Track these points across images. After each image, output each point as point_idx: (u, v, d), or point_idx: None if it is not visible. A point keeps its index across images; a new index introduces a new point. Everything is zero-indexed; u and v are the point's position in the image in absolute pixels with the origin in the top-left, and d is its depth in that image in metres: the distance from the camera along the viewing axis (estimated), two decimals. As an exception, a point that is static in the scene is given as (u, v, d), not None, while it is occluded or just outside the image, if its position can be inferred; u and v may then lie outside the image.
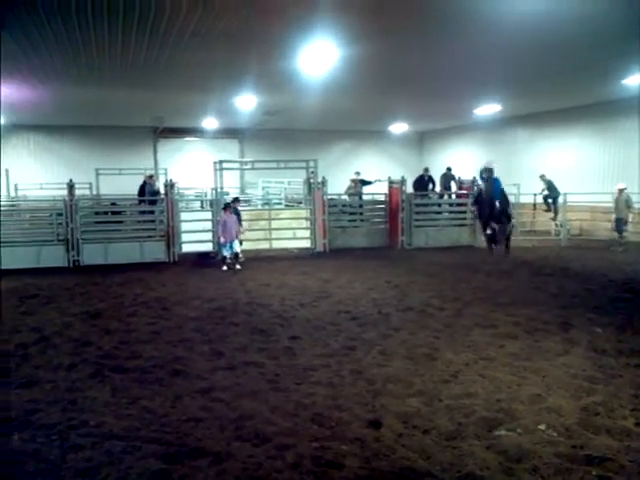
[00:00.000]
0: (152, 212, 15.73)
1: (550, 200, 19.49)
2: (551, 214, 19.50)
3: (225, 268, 13.69)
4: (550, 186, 19.52)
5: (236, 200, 15.10)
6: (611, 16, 9.46)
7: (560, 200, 18.78)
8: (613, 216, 16.72)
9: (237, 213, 14.38)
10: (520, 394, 5.66)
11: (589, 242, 17.54)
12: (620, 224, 16.42)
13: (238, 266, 13.78)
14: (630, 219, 16.34)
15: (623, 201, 16.28)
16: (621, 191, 16.39)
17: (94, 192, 22.71)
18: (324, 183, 16.71)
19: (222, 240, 13.86)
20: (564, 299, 10.04)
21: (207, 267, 14.20)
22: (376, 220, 18.35)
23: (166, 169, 24.20)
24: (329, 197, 17.33)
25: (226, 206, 14.16)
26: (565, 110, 20.93)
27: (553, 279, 11.90)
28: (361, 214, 18.74)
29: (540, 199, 19.89)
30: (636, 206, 16.33)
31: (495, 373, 6.28)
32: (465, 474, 4.21)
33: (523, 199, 20.27)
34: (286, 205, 20.15)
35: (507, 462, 4.37)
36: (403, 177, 17.82)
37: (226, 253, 13.91)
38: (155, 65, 12.60)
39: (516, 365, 6.54)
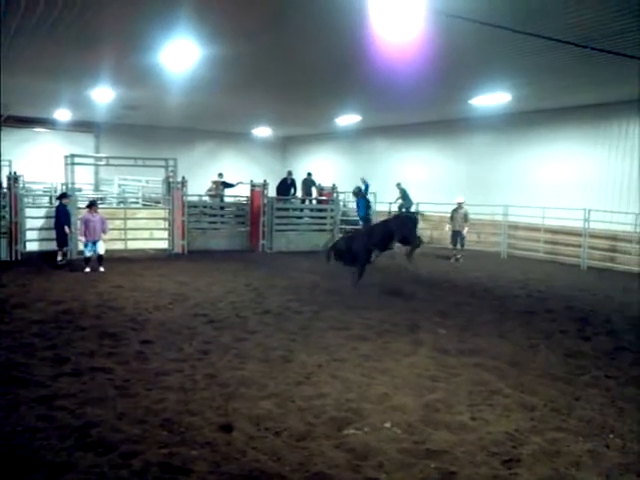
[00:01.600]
0: (-8, 207, 14.47)
1: (404, 209, 20.50)
2: None
3: (88, 270, 12.87)
4: (404, 195, 20.57)
5: (64, 195, 14.23)
6: (457, 44, 10.30)
7: (412, 209, 19.87)
8: (447, 227, 17.26)
9: (65, 210, 13.75)
10: (369, 394, 5.89)
11: (438, 250, 18.63)
12: (457, 237, 16.78)
13: (101, 268, 13.00)
14: (465, 231, 16.70)
15: (462, 214, 16.66)
16: (460, 205, 16.81)
17: None
18: (184, 183, 16.36)
19: (83, 239, 13.13)
20: (413, 303, 10.61)
21: (55, 267, 13.31)
22: (237, 223, 18.27)
23: (10, 161, 22.25)
24: (189, 198, 16.98)
25: (90, 205, 13.47)
26: (420, 124, 22.16)
27: (404, 284, 12.51)
28: (222, 216, 18.55)
29: (395, 207, 20.88)
30: (472, 217, 17.04)
31: (346, 374, 6.48)
32: (314, 473, 4.30)
33: (379, 207, 21.14)
34: (143, 204, 19.45)
35: (355, 460, 4.52)
36: (265, 181, 17.93)
37: (88, 253, 13.09)
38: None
39: (366, 366, 6.79)
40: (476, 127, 20.12)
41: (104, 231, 13.34)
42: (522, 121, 18.54)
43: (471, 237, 18.02)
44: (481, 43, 10.22)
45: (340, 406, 5.54)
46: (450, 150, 21.76)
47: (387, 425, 5.14)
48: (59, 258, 13.75)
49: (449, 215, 17.19)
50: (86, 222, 13.03)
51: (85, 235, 13.04)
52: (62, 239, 13.75)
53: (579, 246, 16.14)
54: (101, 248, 13.20)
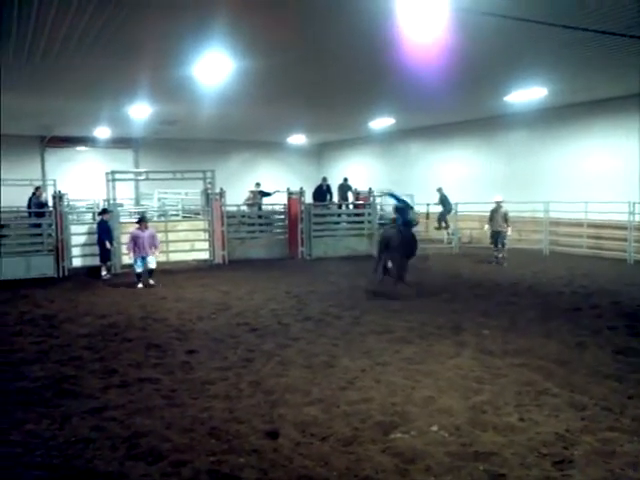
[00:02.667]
0: (39, 225, 14.90)
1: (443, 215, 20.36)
2: (443, 229, 20.42)
3: (140, 285, 12.77)
4: (444, 200, 20.32)
5: (104, 211, 14.43)
6: (491, 41, 10.21)
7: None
8: (486, 227, 16.17)
9: (106, 225, 14.03)
10: (414, 397, 5.84)
11: (478, 250, 18.37)
12: (498, 238, 15.71)
13: (152, 281, 12.97)
14: (509, 232, 15.63)
15: (502, 214, 15.54)
16: (499, 204, 15.71)
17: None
18: (222, 194, 16.56)
19: (132, 255, 12.87)
20: (455, 304, 10.48)
21: (100, 282, 13.60)
22: (275, 231, 18.41)
23: (55, 180, 22.92)
24: (227, 208, 17.18)
25: (140, 220, 13.22)
26: (455, 124, 21.96)
27: (445, 285, 12.39)
28: (260, 225, 18.70)
29: (432, 209, 20.73)
30: (512, 214, 16.04)
31: (390, 377, 6.45)
32: (362, 478, 4.29)
33: (416, 209, 20.93)
34: (183, 216, 19.76)
35: (402, 464, 4.49)
36: (302, 188, 18.01)
37: (138, 269, 12.89)
38: (40, 71, 11.97)
39: (410, 369, 6.75)
40: (512, 124, 19.86)
41: (155, 246, 13.04)
42: (558, 115, 18.20)
43: (512, 235, 17.60)
44: (515, 38, 10.06)
45: (385, 410, 5.51)
46: (487, 148, 21.48)
47: (434, 428, 5.09)
48: (103, 273, 14.07)
49: (488, 215, 16.21)
50: (134, 238, 12.78)
51: (134, 251, 12.78)
52: (105, 254, 14.06)
53: (624, 240, 15.72)
54: (152, 263, 13.03)
